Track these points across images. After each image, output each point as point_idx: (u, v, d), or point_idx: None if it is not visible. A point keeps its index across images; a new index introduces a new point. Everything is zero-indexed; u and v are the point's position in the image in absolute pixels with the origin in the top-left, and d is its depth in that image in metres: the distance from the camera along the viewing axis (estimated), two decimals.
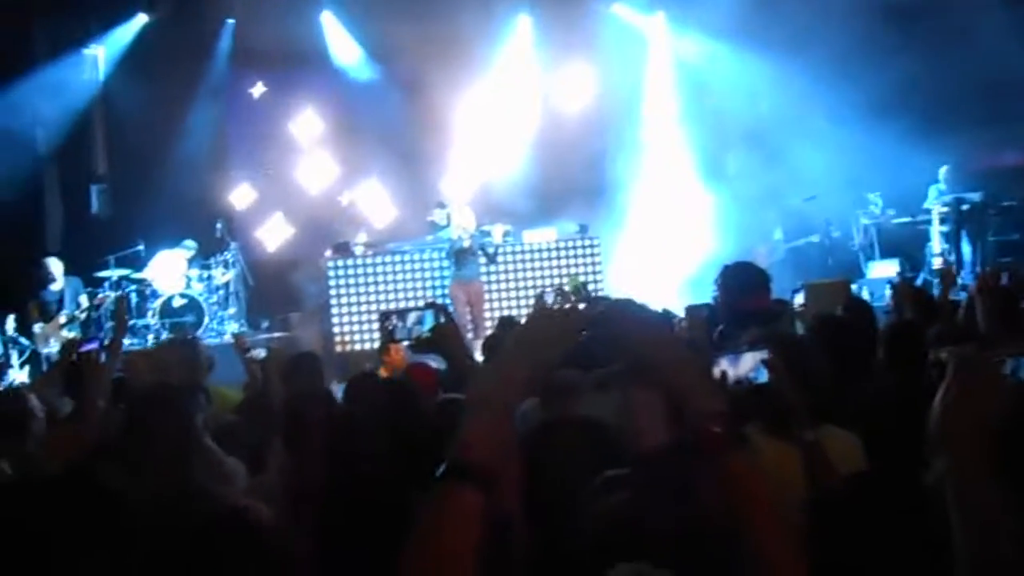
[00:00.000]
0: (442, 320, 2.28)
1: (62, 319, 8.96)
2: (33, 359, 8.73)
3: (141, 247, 10.00)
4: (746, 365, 2.12)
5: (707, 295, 4.57)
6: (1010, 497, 1.17)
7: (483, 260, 9.67)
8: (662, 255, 11.07)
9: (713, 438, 1.12)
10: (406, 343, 2.26)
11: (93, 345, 3.67)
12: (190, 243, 10.14)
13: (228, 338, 8.65)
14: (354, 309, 10.31)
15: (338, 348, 10.06)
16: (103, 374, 3.21)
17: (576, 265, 10.92)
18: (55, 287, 9.13)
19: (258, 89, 11.98)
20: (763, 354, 2.10)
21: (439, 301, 10.24)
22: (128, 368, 4.60)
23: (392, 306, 10.07)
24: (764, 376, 2.11)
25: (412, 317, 2.31)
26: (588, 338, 1.23)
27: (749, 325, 3.04)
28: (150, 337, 9.45)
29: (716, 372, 2.13)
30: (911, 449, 2.13)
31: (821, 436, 2.31)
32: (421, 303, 10.47)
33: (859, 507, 1.56)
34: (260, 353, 3.80)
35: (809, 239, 11.11)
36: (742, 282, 3.31)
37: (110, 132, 11.32)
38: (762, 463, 1.15)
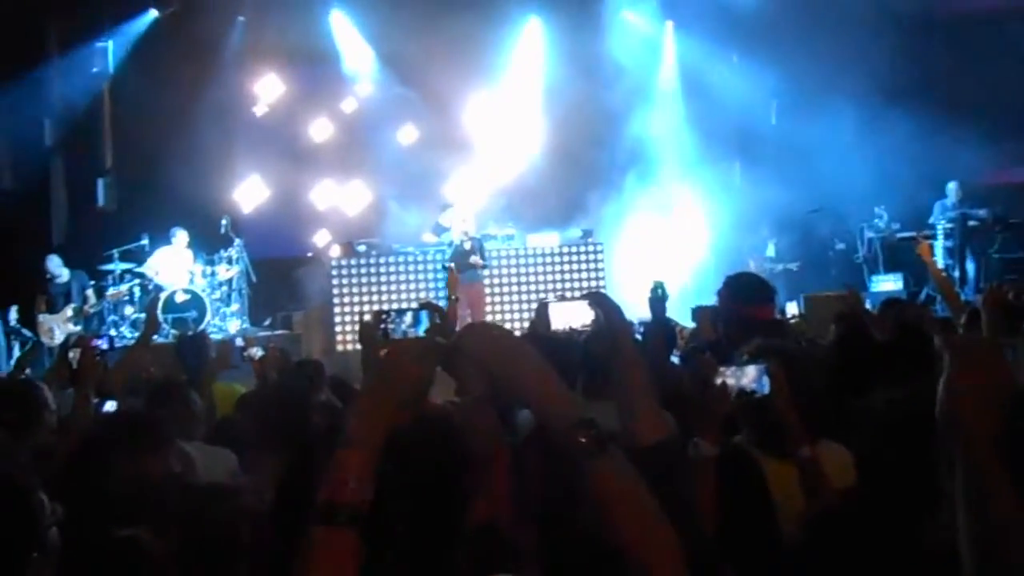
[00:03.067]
0: (437, 320, 2.27)
1: (69, 312, 8.97)
2: (34, 350, 8.74)
3: (145, 241, 10.02)
4: (749, 376, 2.11)
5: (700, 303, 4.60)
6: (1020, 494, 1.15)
7: (479, 261, 9.65)
8: (660, 263, 11.09)
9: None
10: None
11: (102, 342, 3.68)
12: (179, 231, 10.10)
13: (233, 336, 8.63)
14: (356, 309, 10.31)
15: (340, 348, 10.06)
16: (95, 370, 3.22)
17: (579, 270, 10.93)
18: (61, 280, 9.16)
19: (266, 87, 11.99)
20: (764, 365, 2.10)
21: (439, 303, 10.26)
22: (131, 360, 4.62)
23: (394, 307, 10.05)
24: (766, 388, 2.11)
25: (408, 317, 2.30)
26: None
27: (754, 335, 3.03)
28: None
29: (718, 383, 2.13)
30: (902, 466, 2.14)
31: (818, 451, 2.30)
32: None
33: (855, 523, 1.55)
34: (257, 352, 3.79)
35: (800, 253, 11.07)
36: (747, 293, 3.30)
37: (118, 126, 11.34)
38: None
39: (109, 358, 3.90)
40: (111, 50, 11.19)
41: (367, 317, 10.10)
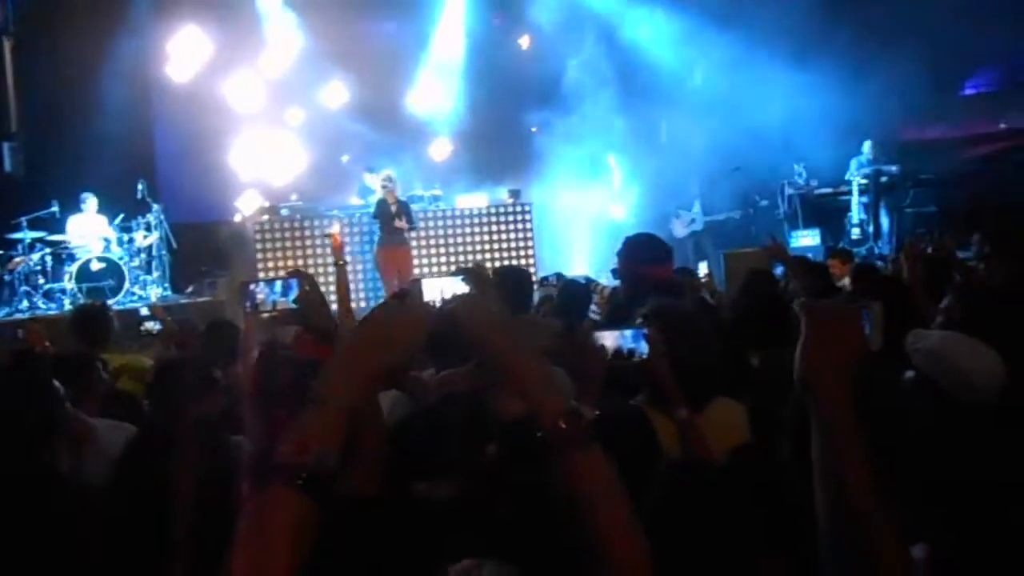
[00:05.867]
0: (307, 288, 2.21)
1: None
2: None
3: (56, 208, 9.60)
4: (627, 339, 2.15)
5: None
6: (869, 451, 1.17)
7: (405, 224, 9.56)
8: (586, 223, 11.20)
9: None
10: (266, 314, 2.17)
11: None
12: (89, 197, 9.74)
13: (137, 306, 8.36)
14: (281, 273, 10.12)
15: (265, 314, 9.87)
16: None
17: (507, 231, 10.94)
18: None
19: (182, 42, 11.52)
20: (643, 329, 2.13)
21: (362, 267, 10.16)
22: (28, 335, 4.47)
23: (320, 271, 9.94)
24: (645, 350, 2.15)
25: (277, 286, 2.24)
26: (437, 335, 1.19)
27: (649, 296, 3.08)
28: (66, 302, 9.14)
29: (596, 345, 2.16)
30: (781, 421, 2.21)
31: (710, 409, 2.35)
32: (349, 268, 10.37)
33: (715, 482, 1.60)
34: (154, 326, 3.67)
35: (729, 214, 11.32)
36: (643, 253, 3.34)
37: (22, 85, 10.78)
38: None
39: None
40: (9, 6, 10.58)
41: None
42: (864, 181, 10.55)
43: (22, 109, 10.83)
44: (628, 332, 2.12)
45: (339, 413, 1.09)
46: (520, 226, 10.96)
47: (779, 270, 5.49)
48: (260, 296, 2.23)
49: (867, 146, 10.69)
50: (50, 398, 2.60)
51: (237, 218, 11.17)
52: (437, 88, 12.14)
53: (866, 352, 1.26)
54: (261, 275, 9.34)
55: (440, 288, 2.27)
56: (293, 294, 2.21)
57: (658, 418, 2.27)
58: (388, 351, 1.13)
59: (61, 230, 9.63)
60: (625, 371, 2.33)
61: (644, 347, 2.15)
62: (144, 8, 11.08)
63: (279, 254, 10.18)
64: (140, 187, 10.05)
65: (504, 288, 3.18)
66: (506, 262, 10.67)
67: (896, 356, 2.42)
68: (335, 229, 9.47)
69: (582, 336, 2.19)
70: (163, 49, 11.43)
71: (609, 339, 2.14)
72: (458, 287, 1.81)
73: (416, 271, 10.12)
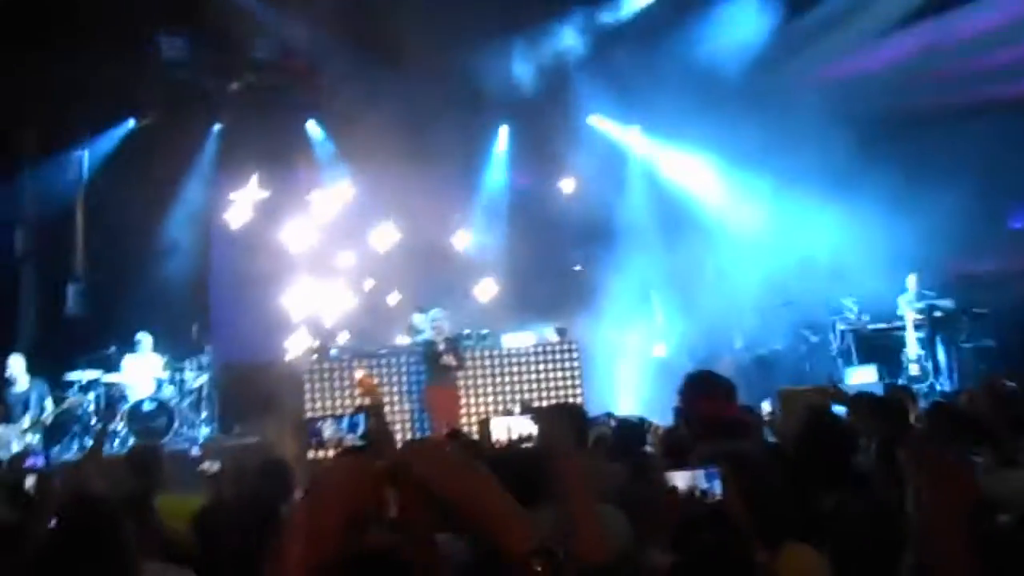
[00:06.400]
0: (373, 424, 2.18)
1: (26, 423, 8.73)
2: None
3: (113, 349, 9.86)
4: (698, 479, 2.05)
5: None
6: None
7: (453, 362, 9.57)
8: (633, 361, 11.10)
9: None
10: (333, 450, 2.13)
11: (38, 460, 3.56)
12: (144, 336, 9.97)
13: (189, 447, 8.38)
14: (329, 413, 10.11)
15: (310, 455, 9.80)
16: (54, 496, 3.10)
17: (555, 369, 10.87)
18: (19, 388, 8.94)
19: (241, 193, 12.07)
20: (715, 468, 2.04)
21: (410, 407, 10.12)
22: (79, 475, 4.46)
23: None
24: (718, 490, 2.05)
25: (344, 422, 2.22)
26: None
27: (717, 433, 2.98)
28: (116, 442, 9.20)
29: (667, 486, 2.07)
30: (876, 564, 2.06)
31: (784, 554, 2.23)
32: (396, 408, 10.34)
33: None
34: (214, 466, 3.63)
35: (773, 347, 11.14)
36: (708, 389, 3.26)
37: (91, 233, 11.34)
38: None
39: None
40: (86, 158, 11.30)
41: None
42: (919, 317, 10.36)
43: (89, 253, 11.34)
44: (700, 472, 2.03)
45: (302, 571, 1.06)
46: (568, 364, 10.90)
47: (840, 408, 5.31)
48: (327, 432, 2.20)
49: (911, 280, 10.58)
50: (123, 548, 2.51)
51: (287, 358, 11.30)
52: (483, 229, 12.45)
53: (978, 499, 1.21)
54: (309, 414, 9.35)
55: (508, 426, 2.23)
56: (360, 430, 2.18)
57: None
58: (340, 508, 1.10)
59: (117, 369, 9.84)
60: (698, 513, 2.22)
61: (718, 488, 2.05)
62: (209, 158, 11.72)
63: (327, 394, 10.22)
64: (194, 328, 10.30)
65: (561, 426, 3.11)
66: (554, 400, 10.55)
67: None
68: (360, 375, 9.45)
69: (656, 478, 2.10)
70: (224, 196, 11.99)
71: (680, 480, 2.04)
72: (526, 425, 1.76)
73: (463, 411, 10.05)
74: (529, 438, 2.26)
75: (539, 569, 1.05)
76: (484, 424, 2.09)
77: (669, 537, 2.04)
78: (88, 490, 3.56)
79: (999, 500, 2.34)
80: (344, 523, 1.10)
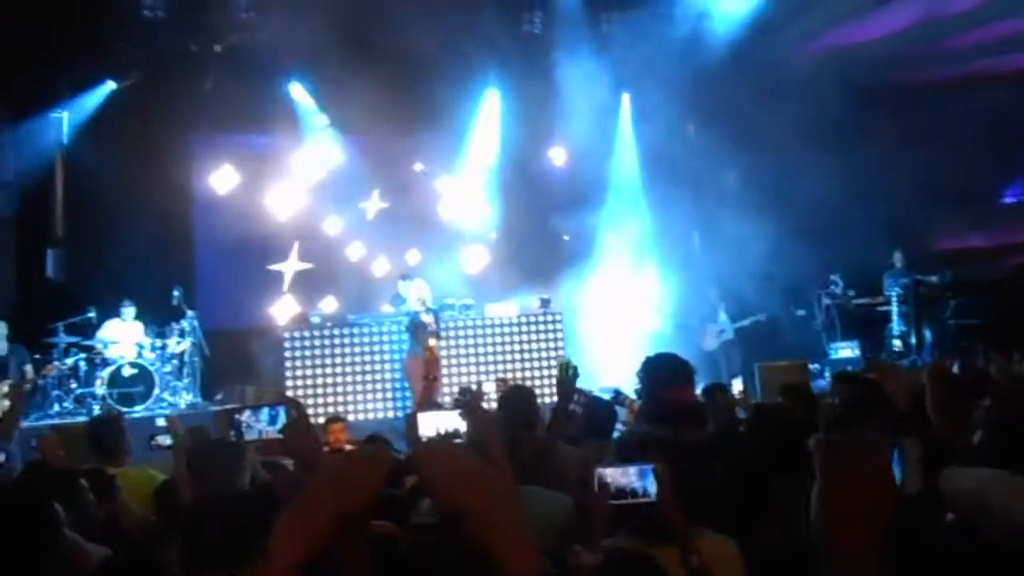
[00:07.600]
0: (294, 415, 2.11)
1: (4, 388, 8.66)
2: None
3: (92, 314, 9.77)
4: (631, 476, 1.99)
5: None
6: None
7: (432, 332, 9.52)
8: (617, 332, 11.05)
9: None
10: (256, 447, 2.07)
11: None
12: (128, 304, 9.90)
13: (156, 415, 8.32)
14: (309, 382, 10.10)
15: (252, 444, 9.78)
16: None
17: (538, 340, 10.84)
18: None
19: (225, 160, 11.94)
20: (650, 466, 1.98)
21: (393, 374, 10.07)
22: (42, 446, 4.41)
23: (348, 379, 9.91)
24: (652, 490, 1.99)
25: (264, 414, 2.15)
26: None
27: (671, 418, 2.93)
28: (96, 407, 9.16)
29: (598, 483, 2.01)
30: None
31: (699, 544, 2.17)
32: (377, 377, 10.29)
33: None
34: (166, 440, 3.57)
35: (755, 318, 11.07)
36: (664, 375, 3.20)
37: (71, 197, 11.19)
38: None
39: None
40: (66, 120, 11.11)
41: (323, 391, 9.95)
42: (902, 292, 10.33)
43: (69, 217, 11.19)
44: (633, 469, 1.97)
45: (287, 570, 1.04)
46: (551, 334, 10.86)
47: (820, 383, 5.28)
48: (246, 425, 2.14)
49: (898, 256, 10.53)
50: (48, 523, 2.49)
51: (270, 325, 11.26)
52: (470, 197, 12.33)
53: (897, 498, 1.13)
54: (272, 390, 9.32)
55: (436, 424, 2.16)
56: (280, 423, 2.12)
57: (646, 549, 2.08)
58: (343, 500, 1.07)
59: (96, 334, 9.77)
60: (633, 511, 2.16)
61: (651, 486, 1.99)
62: (190, 125, 11.53)
63: (308, 362, 10.17)
64: (176, 293, 10.19)
65: (508, 410, 3.05)
66: (536, 372, 10.53)
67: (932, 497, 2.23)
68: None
69: (584, 473, 2.04)
70: (208, 159, 11.84)
71: (613, 477, 1.98)
72: (454, 422, 1.70)
73: (444, 380, 10.02)
74: (456, 434, 2.20)
75: None
76: (412, 418, 2.05)
77: (598, 534, 1.99)
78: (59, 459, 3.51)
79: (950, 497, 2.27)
80: (338, 521, 1.08)
